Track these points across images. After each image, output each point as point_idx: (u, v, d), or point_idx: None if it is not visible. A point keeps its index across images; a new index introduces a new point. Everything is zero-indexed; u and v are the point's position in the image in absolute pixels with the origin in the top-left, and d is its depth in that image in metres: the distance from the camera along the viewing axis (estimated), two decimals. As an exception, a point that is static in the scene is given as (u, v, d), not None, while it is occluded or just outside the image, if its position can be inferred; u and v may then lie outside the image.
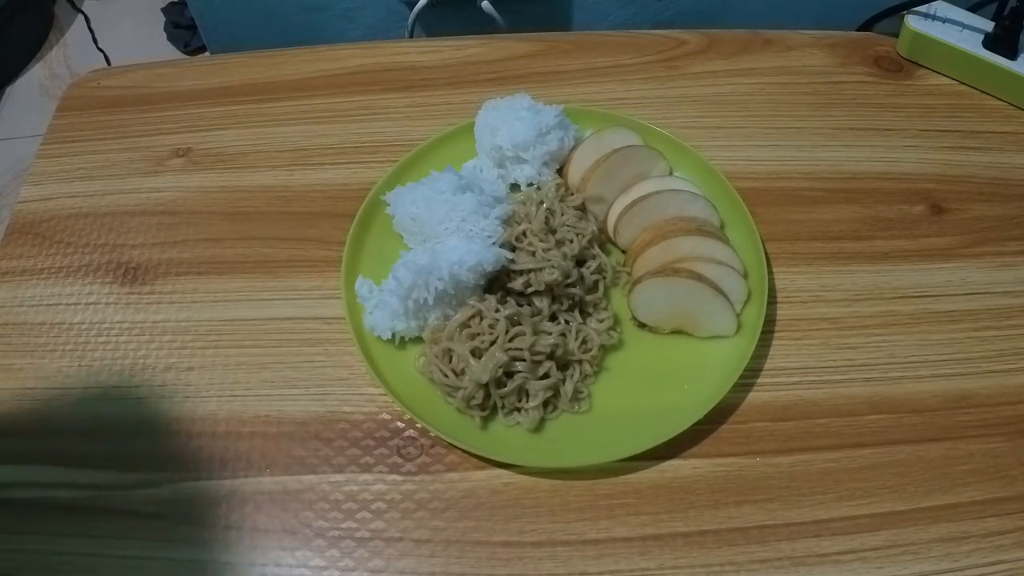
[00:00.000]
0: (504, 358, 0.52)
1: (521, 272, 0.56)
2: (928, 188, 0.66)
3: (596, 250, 0.59)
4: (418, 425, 0.53)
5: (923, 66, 0.74)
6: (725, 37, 0.77)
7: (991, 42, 0.70)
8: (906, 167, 0.67)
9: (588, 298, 0.57)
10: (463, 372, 0.53)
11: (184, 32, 1.69)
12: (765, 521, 0.50)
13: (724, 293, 0.56)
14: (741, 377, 0.53)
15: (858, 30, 0.80)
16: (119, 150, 0.70)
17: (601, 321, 0.57)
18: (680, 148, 0.64)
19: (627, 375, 0.56)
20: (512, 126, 0.62)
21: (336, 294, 0.58)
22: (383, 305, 0.55)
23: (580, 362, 0.55)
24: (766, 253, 0.60)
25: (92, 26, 1.77)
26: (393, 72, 0.75)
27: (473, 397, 0.52)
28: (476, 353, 0.53)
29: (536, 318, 0.55)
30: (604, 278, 0.59)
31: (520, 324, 0.54)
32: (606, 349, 0.56)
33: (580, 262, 0.58)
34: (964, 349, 0.57)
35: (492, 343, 0.53)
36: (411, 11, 0.87)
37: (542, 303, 0.55)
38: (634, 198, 0.60)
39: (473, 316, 0.54)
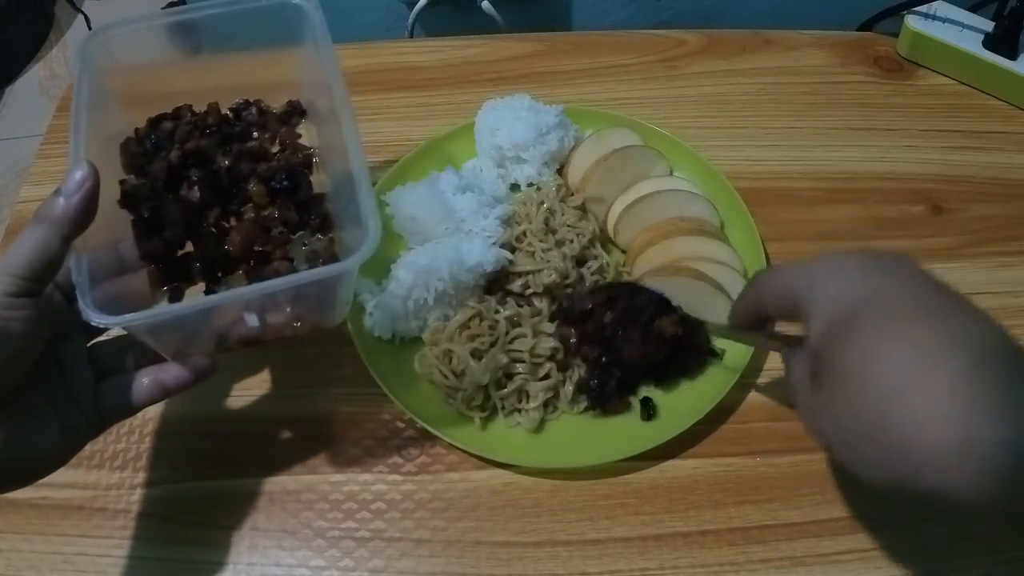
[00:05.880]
0: (504, 360, 0.52)
1: (520, 274, 0.55)
2: (928, 188, 0.66)
3: (597, 250, 0.59)
4: (418, 425, 0.53)
5: (923, 66, 0.74)
6: (725, 37, 0.77)
7: (991, 42, 0.70)
8: (906, 167, 0.67)
9: (588, 298, 0.57)
10: (463, 373, 0.52)
11: (184, 32, 1.69)
12: (765, 521, 0.50)
13: (724, 293, 0.56)
14: (741, 377, 0.53)
15: (858, 30, 0.80)
16: (119, 150, 0.70)
17: (601, 321, 0.56)
18: (680, 148, 0.64)
19: (627, 375, 0.56)
20: (512, 126, 0.62)
21: (336, 294, 0.58)
22: (383, 305, 0.55)
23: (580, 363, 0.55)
24: (766, 253, 0.60)
25: (92, 26, 1.77)
26: (393, 72, 0.75)
27: (473, 398, 0.52)
28: (476, 354, 0.53)
29: (536, 319, 0.55)
30: (604, 278, 0.58)
31: (520, 325, 0.54)
32: (606, 349, 0.56)
33: (580, 262, 0.58)
34: (964, 349, 0.57)
35: (492, 344, 0.53)
36: (411, 11, 0.87)
37: (542, 304, 0.55)
38: (634, 198, 0.60)
39: (473, 317, 0.54)
